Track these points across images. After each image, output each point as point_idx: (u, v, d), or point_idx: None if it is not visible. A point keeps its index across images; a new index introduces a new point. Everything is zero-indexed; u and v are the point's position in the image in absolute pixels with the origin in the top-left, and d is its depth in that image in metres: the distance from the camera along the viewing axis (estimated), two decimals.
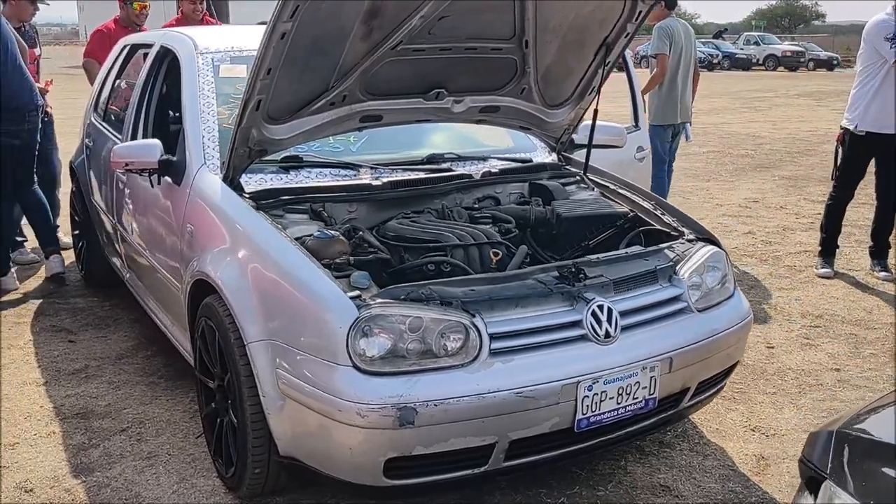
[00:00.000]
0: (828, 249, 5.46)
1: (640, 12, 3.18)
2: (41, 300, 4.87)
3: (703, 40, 40.03)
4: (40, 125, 4.97)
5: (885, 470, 1.63)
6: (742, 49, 37.39)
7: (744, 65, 35.34)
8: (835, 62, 35.81)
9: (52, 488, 2.93)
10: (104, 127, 4.63)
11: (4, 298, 4.86)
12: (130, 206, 3.87)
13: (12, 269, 5.06)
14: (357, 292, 2.44)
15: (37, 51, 5.52)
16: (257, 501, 2.81)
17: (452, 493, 2.81)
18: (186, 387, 3.66)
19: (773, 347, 4.20)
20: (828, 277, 5.33)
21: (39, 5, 5.49)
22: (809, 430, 3.35)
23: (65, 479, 2.98)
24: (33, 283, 5.20)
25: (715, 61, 35.13)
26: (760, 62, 36.16)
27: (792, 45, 38.59)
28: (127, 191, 3.90)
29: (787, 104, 18.70)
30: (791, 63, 35.27)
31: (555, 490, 2.91)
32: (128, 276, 4.23)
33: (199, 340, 2.96)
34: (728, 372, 3.03)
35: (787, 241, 6.27)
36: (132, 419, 3.40)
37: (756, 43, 38.04)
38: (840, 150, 5.27)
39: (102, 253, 4.74)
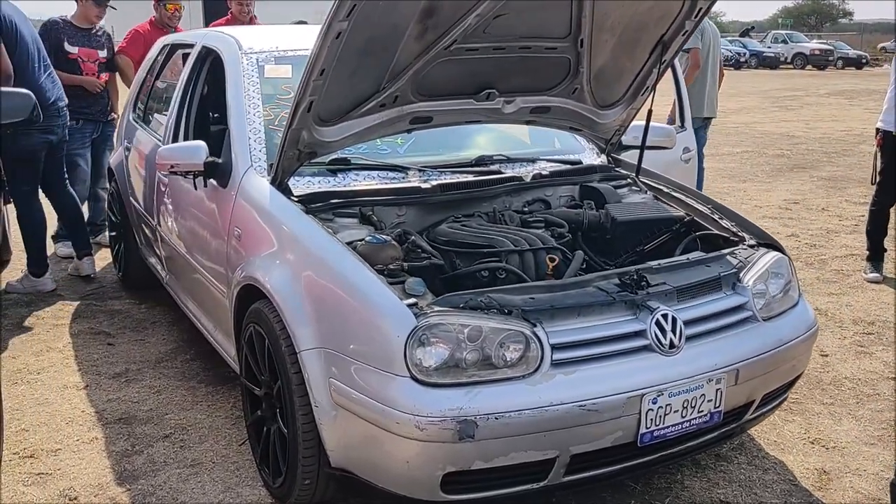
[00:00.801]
0: (876, 254, 5.32)
1: (701, 9, 3.08)
2: (78, 302, 4.83)
3: (729, 38, 39.65)
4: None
5: None
6: (770, 47, 36.96)
7: (771, 63, 34.92)
8: (864, 60, 35.31)
9: (96, 496, 2.88)
10: (143, 128, 4.59)
11: (42, 300, 4.83)
12: (172, 208, 3.81)
13: (49, 271, 5.03)
14: (413, 300, 2.36)
15: (102, 53, 5.54)
16: None
17: None
18: (227, 392, 3.61)
19: (827, 356, 4.07)
20: (877, 282, 5.19)
21: (107, 8, 5.47)
22: (871, 442, 3.26)
23: (109, 487, 2.93)
24: (70, 283, 5.17)
25: (742, 60, 34.74)
26: (788, 61, 35.73)
27: (821, 43, 38.10)
28: (169, 192, 3.85)
29: (819, 103, 18.43)
30: (820, 61, 34.82)
31: None
32: (167, 278, 4.18)
33: (246, 346, 2.89)
34: (791, 384, 2.92)
35: (832, 245, 6.12)
36: (174, 425, 3.35)
37: (784, 41, 37.59)
38: (880, 154, 5.13)
39: (140, 255, 4.70)
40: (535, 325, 2.35)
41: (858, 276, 5.31)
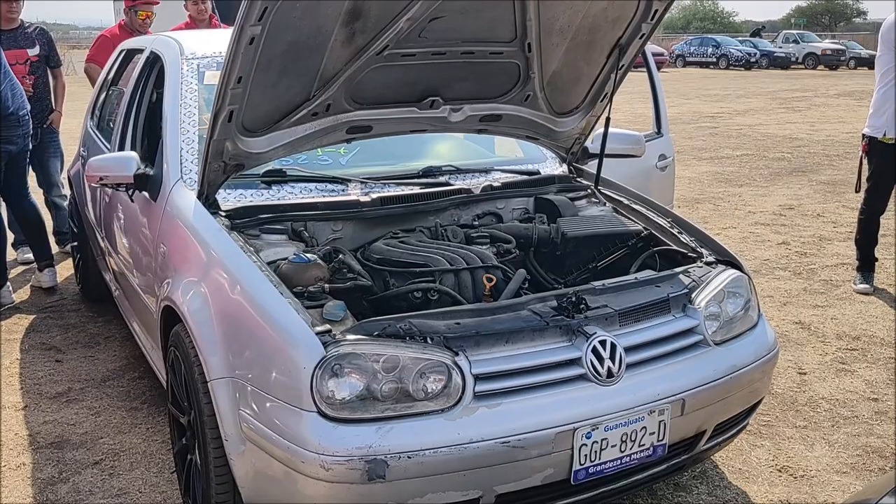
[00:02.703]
0: (866, 264, 5.10)
1: (657, 11, 2.89)
2: (35, 315, 4.69)
3: (740, 38, 39.30)
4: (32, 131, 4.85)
5: None
6: (781, 47, 36.56)
7: (783, 64, 34.53)
8: None
9: None
10: (97, 136, 4.45)
11: None
12: (114, 221, 3.66)
13: (8, 284, 4.90)
14: (327, 326, 2.18)
15: (32, 50, 5.37)
16: None
17: None
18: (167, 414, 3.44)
19: (805, 373, 3.86)
20: (866, 293, 4.97)
21: (16, 3, 5.25)
22: (843, 470, 3.06)
23: None
24: (31, 295, 5.03)
25: (753, 60, 34.37)
26: (800, 61, 35.33)
27: (832, 43, 37.64)
28: (112, 204, 3.70)
29: (827, 104, 18.12)
30: (831, 62, 34.41)
31: None
32: (116, 293, 4.04)
33: (170, 371, 2.73)
34: (751, 410, 2.72)
35: (824, 253, 5.90)
36: (107, 450, 3.19)
37: (795, 41, 37.17)
38: (866, 161, 4.92)
39: (97, 267, 4.55)
40: (456, 354, 2.17)
41: (847, 287, 5.09)
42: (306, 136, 2.83)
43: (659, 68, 5.07)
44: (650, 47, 4.74)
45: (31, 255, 5.42)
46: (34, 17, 5.52)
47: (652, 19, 2.94)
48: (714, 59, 35.22)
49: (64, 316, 4.67)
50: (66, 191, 5.46)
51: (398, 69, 2.76)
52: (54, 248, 5.40)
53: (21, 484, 2.98)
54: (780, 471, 3.06)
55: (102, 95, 4.72)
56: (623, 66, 3.10)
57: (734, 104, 18.00)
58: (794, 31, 41.05)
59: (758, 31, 41.64)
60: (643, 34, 2.99)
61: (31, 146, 4.95)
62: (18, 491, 2.94)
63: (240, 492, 2.32)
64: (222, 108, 2.50)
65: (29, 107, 4.84)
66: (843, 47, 35.61)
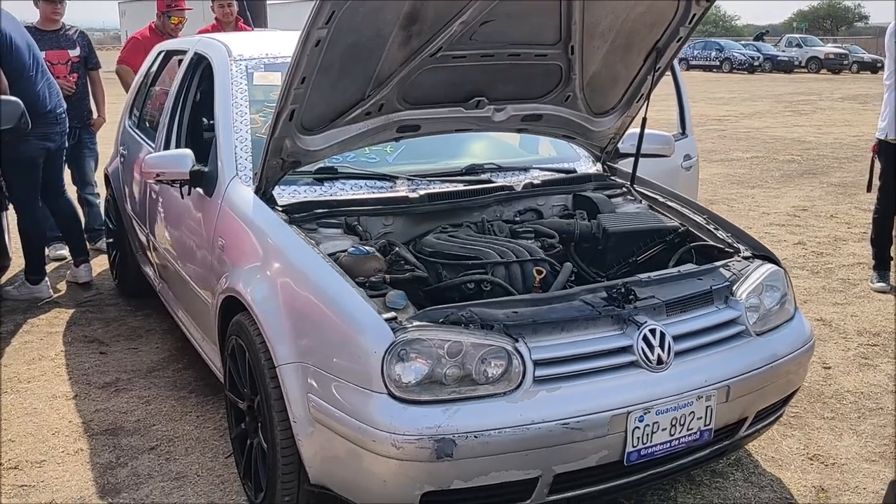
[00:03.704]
0: (881, 263, 5.21)
1: (695, 15, 3.01)
2: (74, 309, 4.81)
3: (743, 42, 39.48)
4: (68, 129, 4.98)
5: None
6: (784, 51, 36.73)
7: (785, 67, 34.69)
8: (879, 64, 34.97)
9: None
10: (138, 134, 4.56)
11: (38, 307, 4.81)
12: (162, 216, 3.78)
13: (46, 279, 5.01)
14: (393, 314, 2.30)
15: (73, 52, 5.49)
16: None
17: None
18: (217, 402, 3.56)
19: (829, 368, 3.98)
20: (883, 292, 5.08)
21: (59, 5, 5.38)
22: (871, 458, 3.17)
23: (91, 501, 2.89)
24: (68, 290, 5.15)
25: (756, 64, 34.53)
26: (803, 64, 35.49)
27: (835, 47, 37.85)
28: (159, 200, 3.82)
29: (832, 107, 18.25)
30: (834, 65, 34.57)
31: None
32: (159, 286, 4.15)
33: (229, 359, 2.85)
34: (787, 399, 2.84)
35: (840, 253, 6.01)
36: (161, 436, 3.31)
37: (798, 45, 37.35)
38: (876, 161, 5.06)
39: (136, 262, 4.67)
40: (516, 341, 2.29)
41: (865, 286, 5.21)
42: (359, 134, 2.95)
43: None
44: None
45: (63, 252, 5.55)
46: (35, 18, 5.58)
47: (690, 23, 3.06)
48: (717, 63, 35.39)
49: (103, 310, 4.79)
50: (99, 189, 5.58)
51: (447, 70, 2.88)
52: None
53: (81, 468, 3.09)
54: (811, 459, 3.17)
55: (141, 95, 4.83)
56: (660, 68, 3.22)
57: (740, 107, 18.14)
58: (797, 35, 41.25)
59: (761, 35, 41.82)
60: (680, 37, 3.11)
61: (67, 144, 5.06)
62: (79, 475, 3.05)
63: (306, 472, 2.43)
64: (285, 107, 2.62)
65: (65, 105, 4.96)
66: (845, 51, 35.79)
